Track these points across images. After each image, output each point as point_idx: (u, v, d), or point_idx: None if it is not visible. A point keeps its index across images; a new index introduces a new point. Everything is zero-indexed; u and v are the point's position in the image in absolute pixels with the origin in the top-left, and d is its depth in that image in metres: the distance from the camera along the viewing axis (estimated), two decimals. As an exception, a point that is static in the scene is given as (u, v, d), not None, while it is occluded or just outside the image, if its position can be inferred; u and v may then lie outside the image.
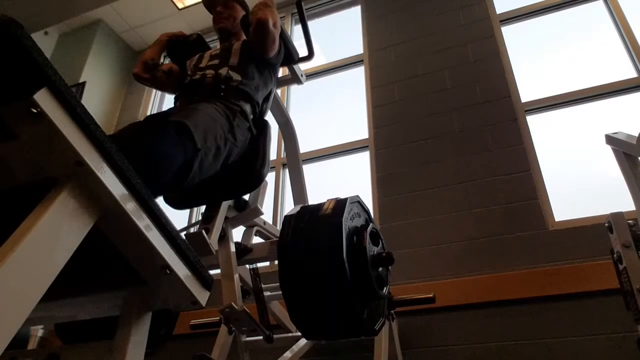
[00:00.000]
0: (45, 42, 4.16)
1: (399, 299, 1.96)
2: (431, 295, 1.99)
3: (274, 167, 3.22)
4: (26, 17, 3.44)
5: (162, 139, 1.14)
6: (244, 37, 1.87)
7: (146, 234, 0.66)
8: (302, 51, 2.04)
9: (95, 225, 0.61)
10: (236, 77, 1.61)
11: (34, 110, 0.52)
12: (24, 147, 0.57)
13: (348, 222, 1.34)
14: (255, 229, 1.90)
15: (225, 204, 1.56)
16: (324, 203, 1.42)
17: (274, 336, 1.88)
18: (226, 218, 1.57)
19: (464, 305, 2.20)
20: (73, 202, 0.58)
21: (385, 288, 1.41)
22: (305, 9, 1.97)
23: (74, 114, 0.57)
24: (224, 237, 1.53)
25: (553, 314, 2.05)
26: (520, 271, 2.20)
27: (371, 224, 1.44)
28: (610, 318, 1.95)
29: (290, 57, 1.96)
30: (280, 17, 3.88)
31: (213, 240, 1.40)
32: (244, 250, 1.64)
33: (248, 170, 1.56)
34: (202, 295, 0.78)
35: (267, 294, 2.01)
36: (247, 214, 1.71)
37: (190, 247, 0.77)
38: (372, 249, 1.36)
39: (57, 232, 0.56)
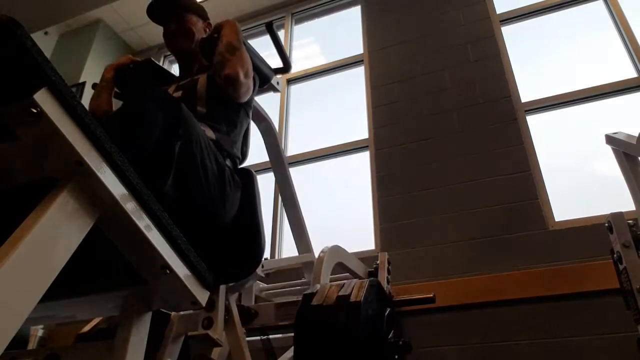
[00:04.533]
0: (45, 42, 4.16)
1: (399, 299, 1.96)
2: (431, 295, 1.99)
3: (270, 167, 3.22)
4: (26, 17, 3.44)
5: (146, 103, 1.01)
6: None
7: (146, 234, 0.66)
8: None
9: (95, 225, 0.61)
10: (209, 134, 1.33)
11: (34, 110, 0.52)
12: (24, 147, 0.57)
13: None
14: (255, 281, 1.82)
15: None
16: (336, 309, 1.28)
17: (274, 336, 1.88)
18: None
19: (464, 305, 2.20)
20: (73, 202, 0.58)
21: None
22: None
23: (74, 114, 0.57)
24: (230, 320, 1.37)
25: (553, 314, 2.05)
26: (520, 271, 2.20)
27: (387, 313, 1.34)
28: (610, 318, 1.95)
29: (266, 80, 1.80)
30: (280, 17, 3.91)
31: (219, 332, 1.24)
32: (249, 315, 1.56)
33: (245, 251, 1.34)
34: (202, 295, 0.78)
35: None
36: (247, 281, 1.54)
37: (190, 247, 0.77)
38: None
39: (57, 232, 0.56)
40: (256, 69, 1.58)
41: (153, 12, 1.63)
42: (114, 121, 1.00)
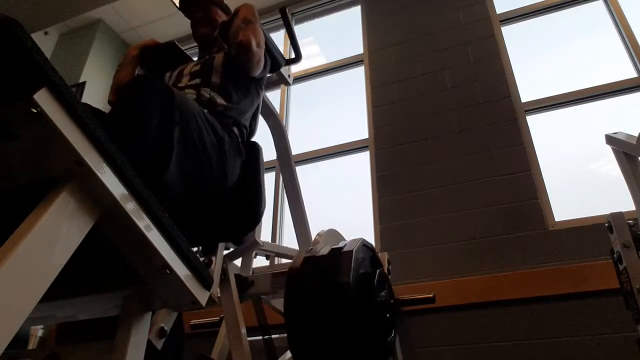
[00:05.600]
0: (45, 42, 4.16)
1: (399, 299, 1.96)
2: (431, 295, 1.99)
3: (273, 166, 3.22)
4: (26, 17, 3.44)
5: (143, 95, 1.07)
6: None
7: (146, 234, 0.66)
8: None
9: (95, 225, 0.61)
10: (220, 101, 1.46)
11: (34, 110, 0.52)
12: (24, 147, 0.57)
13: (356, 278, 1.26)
14: (254, 252, 1.82)
15: (222, 244, 1.42)
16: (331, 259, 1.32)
17: (274, 336, 1.88)
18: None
19: (464, 305, 2.20)
20: (73, 202, 0.58)
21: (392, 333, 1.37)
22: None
23: (74, 114, 0.57)
24: (226, 281, 1.39)
25: (553, 314, 2.05)
26: (520, 271, 2.20)
27: (378, 270, 1.37)
28: (610, 318, 1.95)
29: (277, 65, 1.86)
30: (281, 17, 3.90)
31: (214, 288, 1.26)
32: (245, 284, 1.56)
33: (245, 210, 1.40)
34: (202, 295, 0.78)
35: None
36: (246, 248, 1.59)
37: (191, 248, 0.77)
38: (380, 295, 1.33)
39: (57, 232, 0.56)
40: (268, 51, 1.69)
41: (183, 5, 1.78)
42: (112, 116, 1.02)
